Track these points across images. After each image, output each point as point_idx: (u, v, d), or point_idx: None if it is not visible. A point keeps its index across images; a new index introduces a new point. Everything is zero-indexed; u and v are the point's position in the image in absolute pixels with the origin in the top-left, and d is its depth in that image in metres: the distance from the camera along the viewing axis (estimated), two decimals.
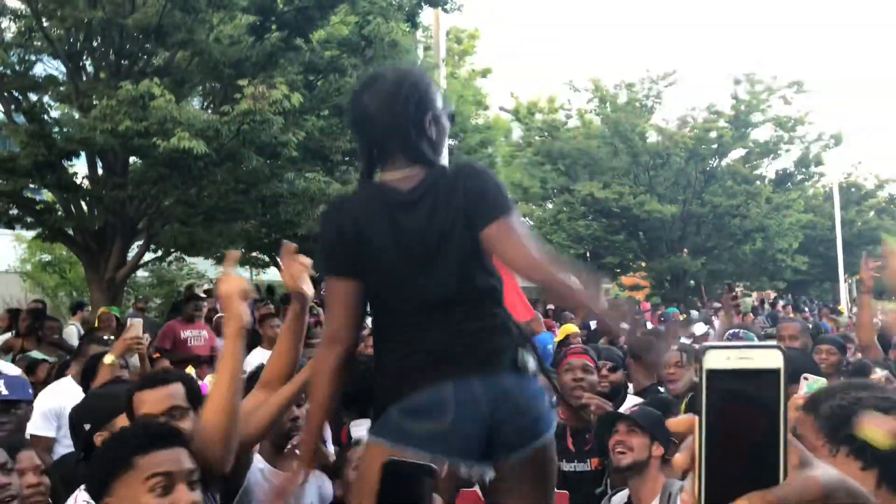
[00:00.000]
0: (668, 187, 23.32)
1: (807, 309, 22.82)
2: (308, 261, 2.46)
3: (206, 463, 1.97)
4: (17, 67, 10.63)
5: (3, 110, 10.71)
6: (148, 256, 12.52)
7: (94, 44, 10.58)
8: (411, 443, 2.04)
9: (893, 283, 3.70)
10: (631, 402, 4.06)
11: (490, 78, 22.93)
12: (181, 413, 2.29)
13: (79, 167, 11.08)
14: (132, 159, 10.67)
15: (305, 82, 10.77)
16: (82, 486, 2.31)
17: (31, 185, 10.63)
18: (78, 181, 10.65)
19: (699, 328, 10.48)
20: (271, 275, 15.58)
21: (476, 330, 2.16)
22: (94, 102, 9.52)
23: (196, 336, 8.05)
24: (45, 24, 10.06)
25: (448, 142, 2.47)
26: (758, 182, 23.57)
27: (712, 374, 0.75)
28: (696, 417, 0.75)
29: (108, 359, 3.83)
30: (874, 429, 0.73)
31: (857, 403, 1.61)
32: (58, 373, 5.06)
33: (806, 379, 2.47)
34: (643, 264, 24.87)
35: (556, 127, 23.67)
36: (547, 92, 24.83)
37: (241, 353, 2.17)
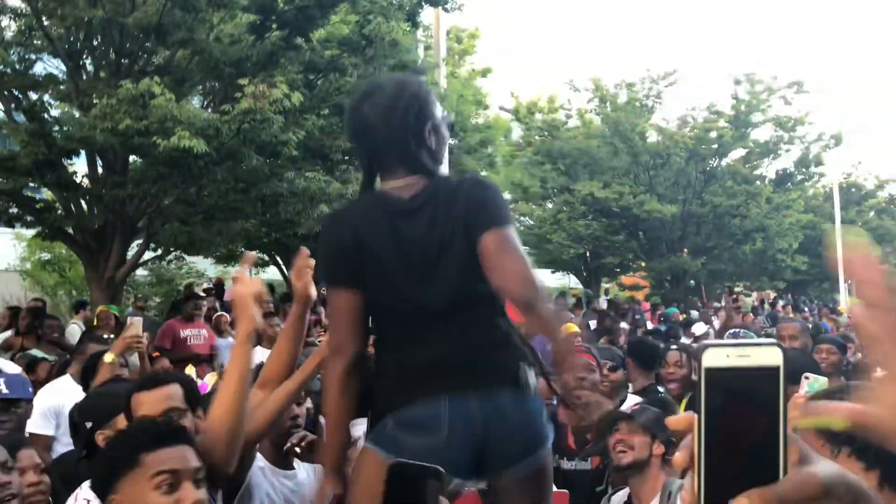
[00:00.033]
0: (669, 187, 23.30)
1: (807, 309, 22.83)
2: (314, 262, 2.47)
3: (210, 464, 1.97)
4: (18, 66, 10.63)
5: (3, 109, 10.71)
6: (148, 255, 12.52)
7: (95, 42, 10.59)
8: (404, 456, 2.05)
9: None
10: (631, 401, 4.07)
11: (490, 77, 22.92)
12: (179, 414, 2.29)
13: (79, 166, 11.08)
14: (132, 158, 10.68)
15: (306, 81, 10.78)
16: (83, 485, 2.31)
17: (31, 184, 10.63)
18: (78, 180, 10.66)
19: (699, 328, 10.49)
20: (271, 274, 15.58)
21: (476, 343, 2.15)
22: (95, 101, 9.53)
23: (195, 335, 8.06)
24: (45, 23, 10.06)
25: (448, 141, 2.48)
26: (758, 182, 23.55)
27: (711, 371, 0.75)
28: (695, 415, 0.75)
29: (108, 357, 3.83)
30: (828, 415, 0.73)
31: None
32: (58, 372, 5.06)
33: (807, 378, 2.47)
34: (643, 264, 24.85)
35: (556, 126, 23.65)
36: (547, 91, 24.83)
37: (250, 355, 2.18)
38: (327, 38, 11.16)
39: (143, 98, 8.72)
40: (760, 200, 22.46)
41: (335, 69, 11.04)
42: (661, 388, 4.94)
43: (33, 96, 10.79)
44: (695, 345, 7.10)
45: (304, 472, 2.79)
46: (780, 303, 23.28)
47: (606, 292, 24.86)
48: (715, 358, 0.75)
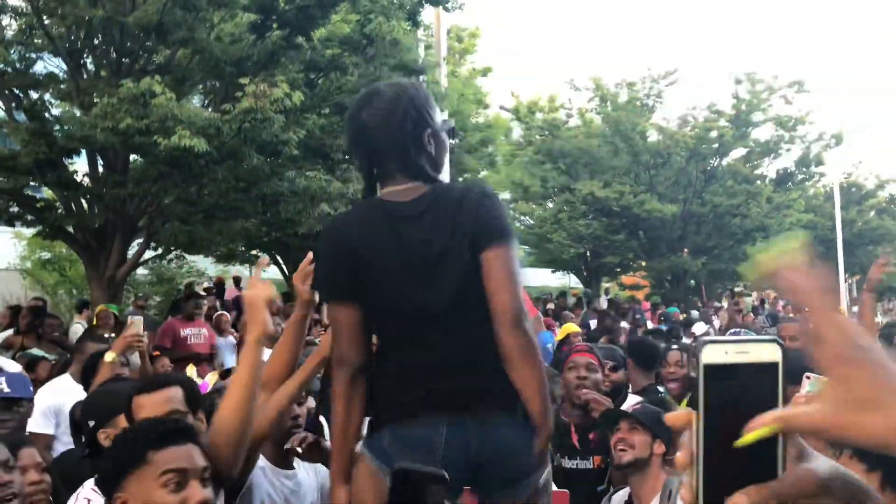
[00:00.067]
0: (669, 186, 23.30)
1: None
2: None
3: (216, 466, 1.98)
4: (18, 65, 10.63)
5: (3, 108, 10.71)
6: (148, 254, 12.52)
7: (95, 41, 10.59)
8: None
9: None
10: (631, 401, 4.07)
11: (491, 76, 22.94)
12: (180, 417, 2.30)
13: (79, 165, 11.09)
14: (133, 157, 10.68)
15: (306, 81, 10.78)
16: (85, 484, 2.32)
17: (32, 183, 10.64)
18: (78, 179, 10.66)
19: (699, 328, 10.51)
20: (271, 273, 15.57)
21: (476, 344, 2.14)
22: (95, 100, 9.53)
23: (196, 334, 8.07)
24: (45, 22, 10.06)
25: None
26: (758, 182, 23.56)
27: (710, 368, 0.75)
28: (694, 412, 0.75)
29: (109, 356, 3.83)
30: (756, 430, 0.74)
31: None
32: (60, 371, 5.06)
33: (808, 378, 2.47)
34: (643, 264, 24.86)
35: (556, 126, 23.65)
36: (547, 91, 24.83)
37: (259, 360, 2.19)
38: (328, 37, 11.16)
39: (144, 97, 8.72)
40: (761, 200, 22.47)
41: (336, 68, 11.04)
42: (660, 388, 4.95)
43: (34, 95, 10.79)
44: (695, 344, 7.10)
45: (305, 471, 2.80)
46: (780, 303, 23.29)
47: (607, 292, 24.85)
48: (714, 354, 0.75)
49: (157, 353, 6.60)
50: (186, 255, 16.26)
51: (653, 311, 18.00)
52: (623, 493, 3.16)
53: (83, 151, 10.28)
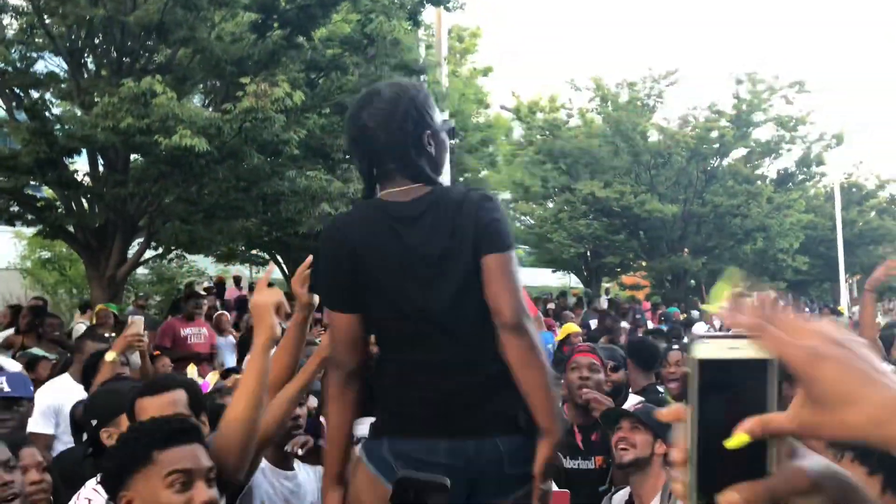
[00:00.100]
0: (670, 187, 23.30)
1: (807, 309, 22.83)
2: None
3: (222, 471, 1.98)
4: (19, 64, 10.63)
5: (4, 107, 10.71)
6: (148, 254, 12.52)
7: (96, 41, 10.59)
8: None
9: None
10: (632, 400, 4.08)
11: (491, 76, 22.97)
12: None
13: (80, 164, 11.09)
14: (133, 157, 10.68)
15: (307, 80, 10.78)
16: (87, 484, 2.32)
17: (32, 182, 10.64)
18: (79, 178, 10.66)
19: (700, 328, 10.52)
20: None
21: (477, 344, 2.13)
22: (96, 100, 9.53)
23: (196, 334, 8.07)
24: (46, 21, 10.06)
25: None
26: (759, 182, 23.55)
27: (703, 364, 0.75)
28: (686, 407, 0.75)
29: (110, 356, 3.83)
30: (738, 436, 0.75)
31: None
32: (60, 371, 5.06)
33: None
34: (644, 264, 24.85)
35: (557, 126, 23.66)
36: (548, 91, 24.85)
37: (266, 365, 2.18)
38: (329, 36, 11.16)
39: (145, 96, 8.72)
40: (761, 200, 22.46)
41: (337, 68, 11.04)
42: (661, 388, 4.96)
43: (35, 94, 10.79)
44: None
45: (304, 472, 2.80)
46: (781, 303, 23.24)
47: (607, 292, 24.87)
48: (706, 350, 0.75)
49: (157, 352, 6.60)
50: (187, 255, 16.25)
51: (653, 311, 18.01)
52: (623, 493, 3.15)
53: (84, 151, 10.28)
